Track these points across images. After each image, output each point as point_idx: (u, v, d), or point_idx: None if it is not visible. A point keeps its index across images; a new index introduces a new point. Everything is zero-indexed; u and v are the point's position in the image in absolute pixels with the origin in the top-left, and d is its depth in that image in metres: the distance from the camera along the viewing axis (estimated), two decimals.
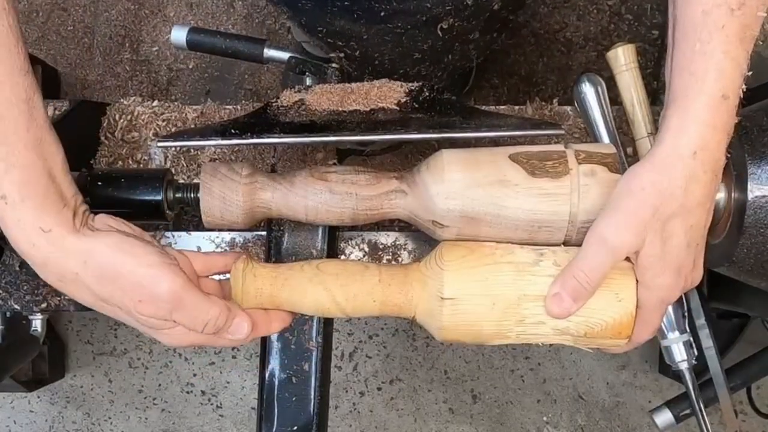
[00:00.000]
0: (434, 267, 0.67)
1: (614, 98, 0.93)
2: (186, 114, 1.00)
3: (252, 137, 0.68)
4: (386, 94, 0.75)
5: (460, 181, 0.67)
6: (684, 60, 0.60)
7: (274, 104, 0.77)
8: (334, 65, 0.86)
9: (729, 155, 0.64)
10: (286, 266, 0.69)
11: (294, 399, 0.87)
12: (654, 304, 0.63)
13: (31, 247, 0.58)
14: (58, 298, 0.93)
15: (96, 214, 0.64)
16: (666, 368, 1.07)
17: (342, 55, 0.83)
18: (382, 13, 0.75)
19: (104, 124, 0.98)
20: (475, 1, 0.76)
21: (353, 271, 0.68)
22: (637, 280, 0.63)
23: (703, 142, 0.59)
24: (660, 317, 0.65)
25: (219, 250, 1.01)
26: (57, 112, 0.94)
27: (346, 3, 0.72)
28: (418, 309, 0.68)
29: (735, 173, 0.71)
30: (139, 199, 0.77)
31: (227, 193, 0.73)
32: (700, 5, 0.58)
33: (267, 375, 0.88)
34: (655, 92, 1.27)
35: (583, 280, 0.62)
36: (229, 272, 0.68)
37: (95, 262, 0.58)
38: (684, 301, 0.93)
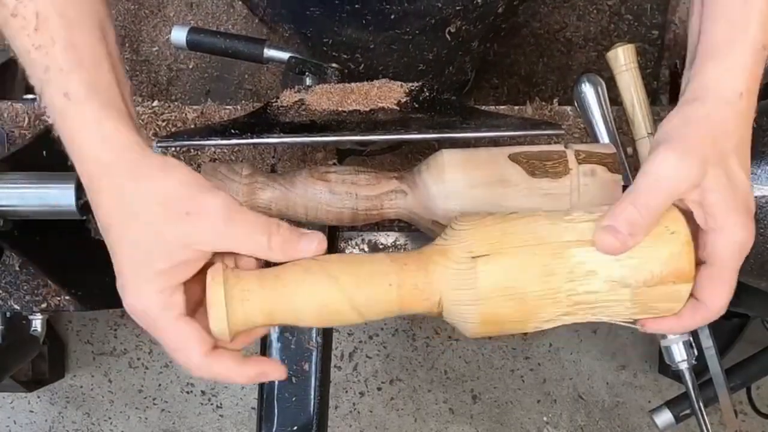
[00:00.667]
0: (452, 233, 0.57)
1: (614, 98, 0.93)
2: (186, 114, 1.00)
3: (252, 137, 0.68)
4: (386, 94, 0.75)
5: (460, 181, 0.67)
6: (723, 10, 0.59)
7: (274, 104, 0.77)
8: (334, 65, 0.86)
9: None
10: (271, 269, 0.57)
11: (294, 399, 0.87)
12: (731, 253, 0.55)
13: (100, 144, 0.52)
14: (58, 299, 0.93)
15: None
16: (666, 368, 1.07)
17: (346, 70, 0.83)
18: (392, 16, 0.75)
19: None
20: (484, 1, 0.76)
21: (359, 259, 0.57)
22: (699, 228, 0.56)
23: (746, 86, 0.57)
24: (736, 272, 0.56)
25: None
26: None
27: (356, 6, 0.72)
28: (443, 287, 0.56)
29: None
30: None
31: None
32: None
33: None
34: (655, 92, 1.28)
35: (638, 214, 0.54)
36: None
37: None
38: None
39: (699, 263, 0.57)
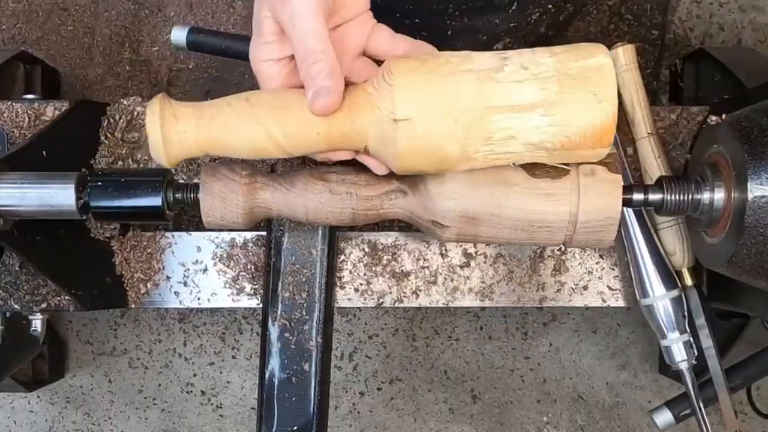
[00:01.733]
0: (383, 85, 0.59)
1: None
2: None
3: None
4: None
5: (459, 182, 0.67)
6: None
7: None
8: None
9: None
10: (208, 104, 0.62)
11: (294, 399, 0.87)
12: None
13: None
14: (58, 298, 0.93)
15: None
16: (666, 368, 1.07)
17: None
18: (449, 32, 0.74)
19: (104, 124, 0.98)
20: (535, 19, 0.77)
21: (289, 102, 0.60)
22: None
23: None
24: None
25: (219, 250, 1.01)
26: (57, 112, 0.94)
27: (416, 21, 0.71)
28: (369, 137, 0.60)
29: (735, 173, 0.71)
30: (139, 199, 0.77)
31: (227, 194, 0.73)
32: None
33: (267, 375, 0.88)
34: (655, 92, 1.27)
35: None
36: None
37: None
38: (684, 301, 0.93)
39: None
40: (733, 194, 0.71)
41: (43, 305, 0.93)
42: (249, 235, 1.00)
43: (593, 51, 0.59)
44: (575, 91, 0.58)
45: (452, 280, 0.99)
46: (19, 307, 0.94)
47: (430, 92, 0.57)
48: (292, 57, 0.61)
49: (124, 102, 0.99)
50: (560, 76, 0.58)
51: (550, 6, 0.78)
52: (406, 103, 0.57)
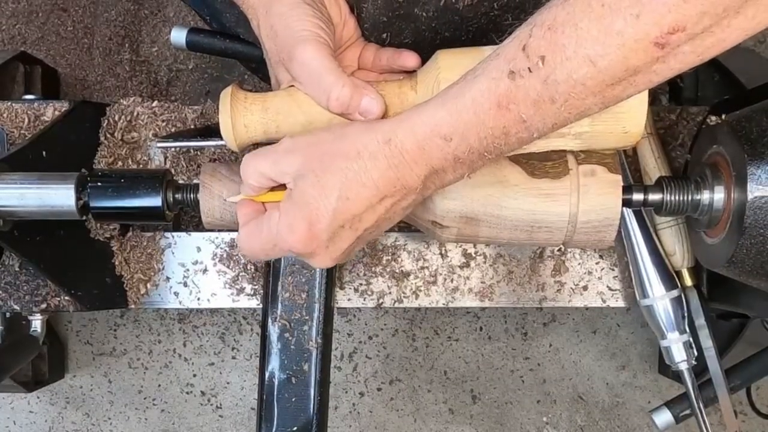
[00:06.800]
0: (428, 66, 0.65)
1: None
2: (186, 114, 1.00)
3: None
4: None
5: (459, 181, 0.67)
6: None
7: None
8: None
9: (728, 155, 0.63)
10: (271, 95, 0.67)
11: (294, 399, 0.87)
12: (267, 231, 0.63)
13: None
14: (58, 299, 0.93)
15: None
16: (666, 368, 1.07)
17: None
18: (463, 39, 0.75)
19: (104, 125, 0.98)
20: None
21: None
22: None
23: (400, 142, 0.56)
24: (262, 251, 0.64)
25: (219, 250, 1.01)
26: (57, 112, 0.94)
27: (446, 35, 0.72)
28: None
29: (735, 173, 0.71)
30: (138, 199, 0.77)
31: (227, 194, 0.73)
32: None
33: (267, 375, 0.88)
34: (655, 92, 1.27)
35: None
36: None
37: (269, 19, 0.64)
38: (684, 302, 0.93)
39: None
40: (732, 194, 0.71)
41: (43, 306, 0.93)
42: None
43: None
44: (606, 124, 0.62)
45: (452, 280, 0.99)
46: (18, 308, 0.93)
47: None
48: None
49: (124, 102, 0.99)
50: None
51: None
52: (449, 76, 0.60)
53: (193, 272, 1.01)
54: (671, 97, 1.22)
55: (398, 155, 0.56)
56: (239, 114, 0.65)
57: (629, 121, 0.62)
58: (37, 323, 1.06)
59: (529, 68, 0.50)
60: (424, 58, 0.68)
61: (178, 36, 0.91)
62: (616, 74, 0.49)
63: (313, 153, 0.58)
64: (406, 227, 0.98)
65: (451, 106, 0.54)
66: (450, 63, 0.63)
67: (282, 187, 0.61)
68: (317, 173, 0.57)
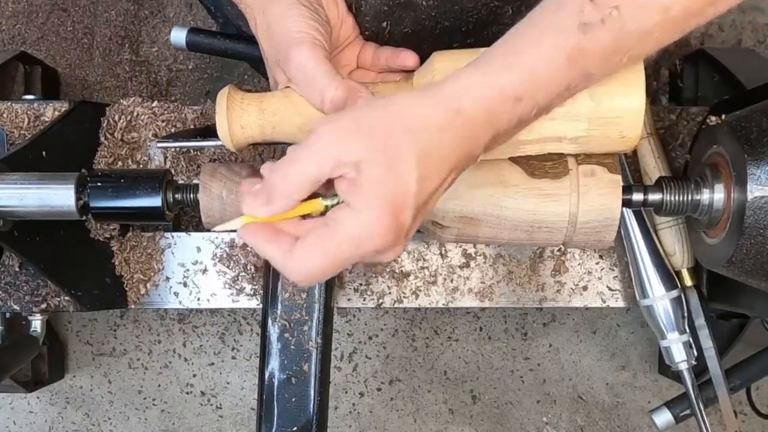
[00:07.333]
0: (425, 68, 0.66)
1: None
2: (185, 114, 1.00)
3: None
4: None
5: (459, 182, 0.67)
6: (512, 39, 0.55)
7: None
8: None
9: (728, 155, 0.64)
10: (268, 95, 0.67)
11: (294, 399, 0.87)
12: (343, 232, 0.54)
13: None
14: (58, 299, 0.93)
15: None
16: (666, 369, 1.07)
17: None
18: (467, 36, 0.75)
19: (104, 125, 0.98)
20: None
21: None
22: None
23: (473, 107, 0.53)
24: (339, 257, 0.54)
25: (219, 250, 1.01)
26: (57, 113, 0.94)
27: (446, 24, 0.72)
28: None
29: (735, 173, 0.71)
30: (138, 199, 0.77)
31: (227, 194, 0.73)
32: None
33: (267, 375, 0.88)
34: (655, 92, 1.28)
35: (278, 180, 0.53)
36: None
37: (265, 19, 0.64)
38: (683, 302, 0.93)
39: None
40: (732, 195, 0.71)
41: (43, 306, 0.93)
42: None
43: (631, 90, 0.62)
44: (603, 129, 0.62)
45: (452, 280, 0.99)
46: (18, 308, 0.93)
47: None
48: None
49: (124, 103, 0.99)
50: (591, 115, 0.62)
51: None
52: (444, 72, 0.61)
53: (193, 272, 1.01)
54: (671, 97, 1.22)
55: (469, 125, 0.52)
56: (236, 115, 0.65)
57: (626, 126, 0.62)
58: (37, 323, 1.06)
59: (602, 19, 0.49)
60: (424, 48, 0.68)
61: (178, 36, 0.91)
62: (679, 21, 0.49)
63: (373, 133, 0.51)
64: None
65: (522, 66, 0.52)
66: (446, 65, 0.63)
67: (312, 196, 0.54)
68: (387, 155, 0.51)
